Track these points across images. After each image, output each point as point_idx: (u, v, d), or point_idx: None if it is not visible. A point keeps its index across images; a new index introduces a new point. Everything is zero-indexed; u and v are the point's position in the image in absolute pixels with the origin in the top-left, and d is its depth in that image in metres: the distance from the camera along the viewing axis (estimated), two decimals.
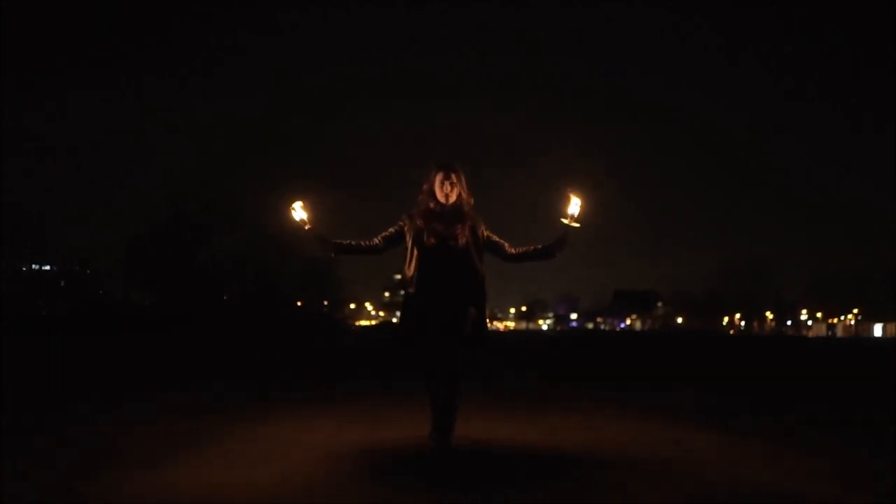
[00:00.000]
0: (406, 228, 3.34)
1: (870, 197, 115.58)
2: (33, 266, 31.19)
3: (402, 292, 3.40)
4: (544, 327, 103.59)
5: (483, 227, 3.37)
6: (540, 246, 3.40)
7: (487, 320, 3.38)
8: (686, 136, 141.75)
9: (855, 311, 63.84)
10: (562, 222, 3.32)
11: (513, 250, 3.40)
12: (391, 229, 3.37)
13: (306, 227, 3.31)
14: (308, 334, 25.84)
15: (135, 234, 30.92)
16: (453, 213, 3.30)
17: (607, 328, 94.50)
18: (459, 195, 3.32)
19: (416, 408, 4.30)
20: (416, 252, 3.27)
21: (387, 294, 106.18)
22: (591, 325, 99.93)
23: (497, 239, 3.40)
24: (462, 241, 3.26)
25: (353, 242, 3.37)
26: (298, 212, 3.31)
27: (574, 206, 3.31)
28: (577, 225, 3.30)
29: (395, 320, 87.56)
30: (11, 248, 28.08)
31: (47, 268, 31.73)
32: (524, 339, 27.25)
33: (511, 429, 3.98)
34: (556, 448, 3.42)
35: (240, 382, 6.91)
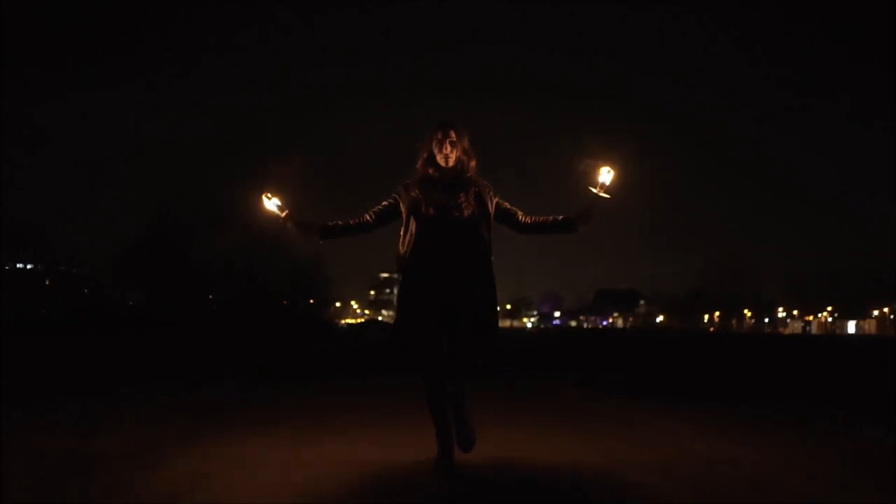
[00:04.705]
0: (401, 201, 2.94)
1: (856, 196, 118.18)
2: (18, 265, 31.03)
3: (398, 276, 2.97)
4: (528, 325, 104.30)
5: (492, 194, 2.96)
6: (560, 217, 2.99)
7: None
8: (682, 136, 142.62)
9: (829, 308, 65.37)
10: (589, 191, 2.93)
11: (527, 219, 3.01)
12: (384, 203, 2.97)
13: (283, 215, 2.96)
14: (301, 334, 25.97)
15: (130, 234, 30.96)
16: (455, 179, 2.89)
17: (589, 326, 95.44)
18: (460, 157, 2.91)
19: (418, 412, 4.08)
20: (412, 226, 2.87)
21: (372, 293, 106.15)
22: (573, 324, 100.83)
23: (508, 206, 3.01)
24: (467, 211, 2.85)
25: (339, 223, 2.97)
26: (271, 201, 2.97)
27: (605, 174, 2.92)
28: (606, 196, 2.92)
29: (381, 318, 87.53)
30: (12, 248, 28.00)
31: (31, 266, 31.59)
32: (518, 339, 27.71)
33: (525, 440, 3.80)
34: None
35: (235, 385, 6.87)
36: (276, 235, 27.46)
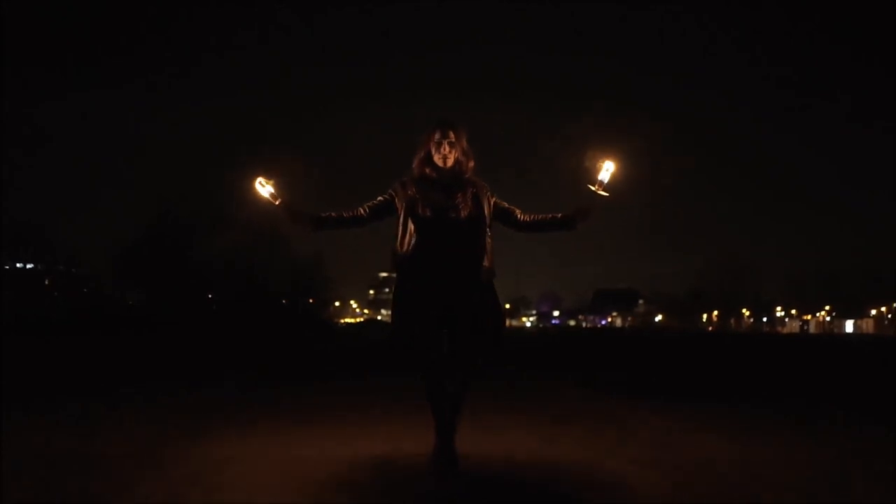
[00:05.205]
0: (397, 198, 2.91)
1: (856, 196, 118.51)
2: (18, 265, 31.05)
3: (394, 275, 2.96)
4: (527, 324, 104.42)
5: (489, 194, 2.94)
6: (559, 215, 2.99)
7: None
8: (683, 136, 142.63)
9: (827, 307, 65.49)
10: (588, 189, 2.89)
11: (526, 217, 3.00)
12: (379, 198, 2.95)
13: (276, 203, 2.91)
14: (301, 334, 25.98)
15: (130, 234, 31.01)
16: (453, 180, 2.87)
17: (588, 325, 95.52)
18: (458, 158, 2.88)
19: (418, 411, 4.03)
20: (409, 226, 2.85)
21: (371, 292, 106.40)
22: (572, 323, 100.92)
23: (506, 206, 2.99)
24: (464, 212, 2.84)
25: (333, 214, 2.96)
26: (264, 187, 2.91)
27: (605, 171, 2.87)
28: (605, 194, 2.87)
29: (380, 318, 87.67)
30: (12, 248, 28.02)
31: (31, 266, 31.60)
32: (518, 339, 27.73)
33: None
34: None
35: (235, 385, 6.90)
36: (273, 225, 27.38)
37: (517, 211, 3.01)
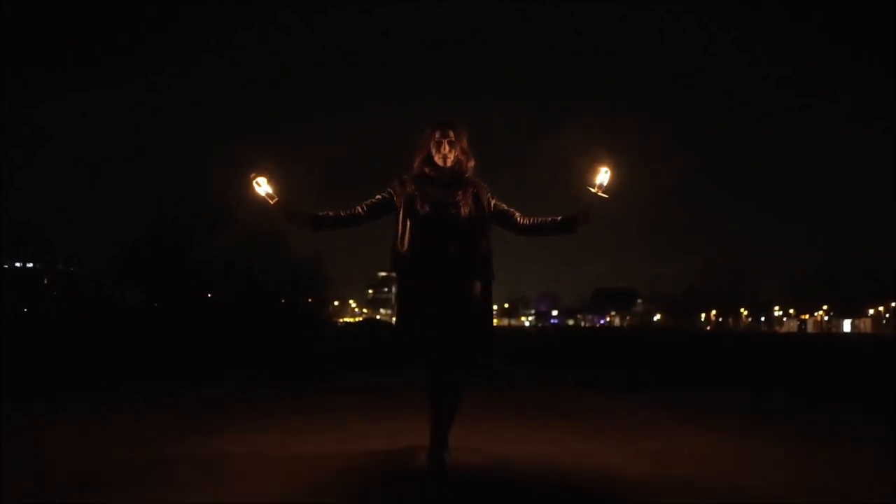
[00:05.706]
0: (395, 196, 2.92)
1: (856, 196, 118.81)
2: (17, 264, 31.04)
3: (395, 274, 2.96)
4: (526, 324, 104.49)
5: (489, 195, 2.95)
6: (559, 218, 2.97)
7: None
8: (683, 136, 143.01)
9: (825, 307, 65.56)
10: (588, 191, 2.92)
11: (525, 220, 2.99)
12: (378, 196, 2.95)
13: (273, 202, 2.88)
14: (301, 333, 25.95)
15: (130, 234, 30.99)
16: (452, 178, 2.88)
17: (587, 325, 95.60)
18: (458, 157, 2.89)
19: (417, 410, 4.08)
20: (408, 224, 2.85)
21: (371, 291, 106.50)
22: (571, 322, 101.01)
23: (506, 208, 2.99)
24: (464, 210, 2.84)
25: (330, 213, 2.94)
26: (261, 186, 2.88)
27: (603, 174, 2.90)
28: (605, 196, 2.91)
29: (379, 317, 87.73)
30: (12, 248, 28.04)
31: (30, 265, 31.60)
32: (517, 339, 27.72)
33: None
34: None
35: (235, 385, 6.90)
36: (272, 224, 27.35)
37: (517, 214, 3.01)
